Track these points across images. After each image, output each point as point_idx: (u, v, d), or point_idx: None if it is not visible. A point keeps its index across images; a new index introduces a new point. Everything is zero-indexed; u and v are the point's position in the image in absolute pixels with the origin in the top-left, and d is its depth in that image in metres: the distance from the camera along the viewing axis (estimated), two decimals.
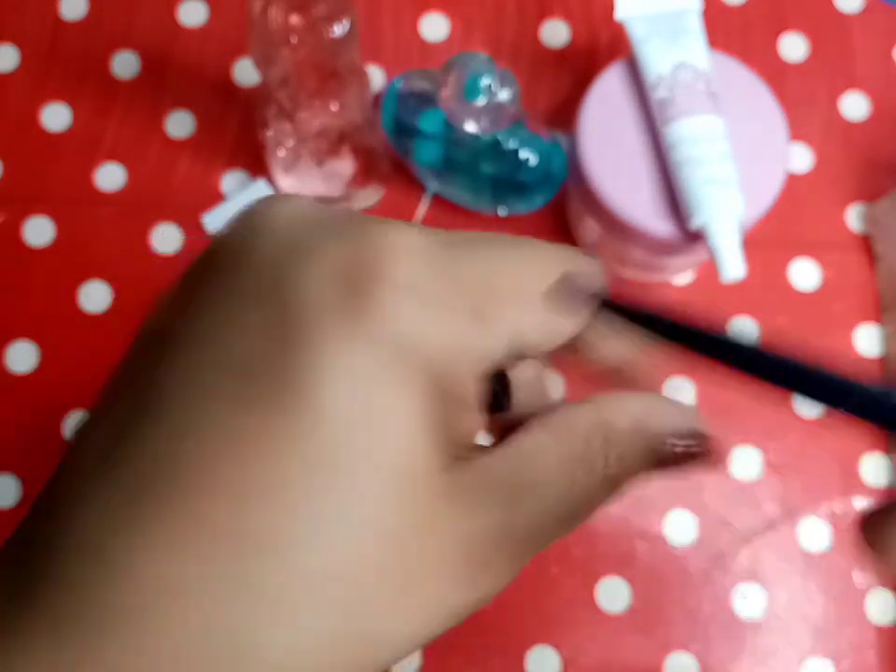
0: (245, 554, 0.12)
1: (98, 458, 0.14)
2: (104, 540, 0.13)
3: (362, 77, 0.43)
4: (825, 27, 0.52)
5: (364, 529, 0.13)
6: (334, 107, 0.42)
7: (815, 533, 0.46)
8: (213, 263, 0.16)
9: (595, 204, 0.42)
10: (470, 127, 0.43)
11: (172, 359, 0.14)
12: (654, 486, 0.46)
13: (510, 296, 0.16)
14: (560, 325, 0.17)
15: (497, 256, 0.16)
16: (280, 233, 0.15)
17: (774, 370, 0.15)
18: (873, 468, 0.46)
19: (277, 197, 0.16)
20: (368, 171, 0.47)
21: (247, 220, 0.16)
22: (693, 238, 0.41)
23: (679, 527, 0.46)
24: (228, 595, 0.12)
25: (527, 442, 0.16)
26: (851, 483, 0.46)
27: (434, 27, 0.52)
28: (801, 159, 0.51)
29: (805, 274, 0.49)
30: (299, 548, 0.12)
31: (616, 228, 0.43)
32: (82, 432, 0.15)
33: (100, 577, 0.12)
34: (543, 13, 0.52)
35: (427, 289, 0.14)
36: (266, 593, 0.12)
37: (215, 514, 0.12)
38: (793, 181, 0.49)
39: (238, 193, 0.49)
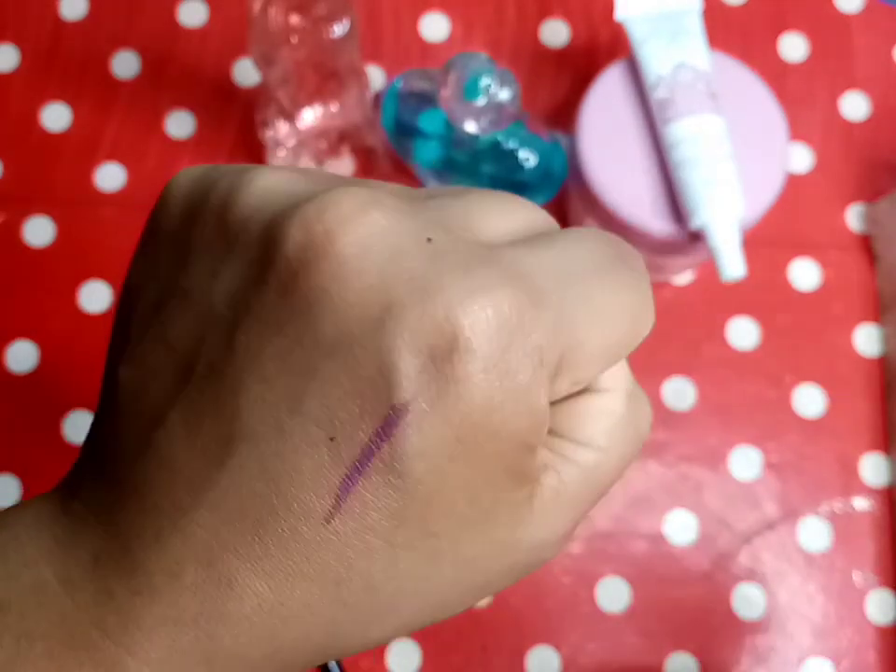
0: (357, 601, 0.15)
1: (198, 490, 0.15)
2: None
3: (362, 77, 0.43)
4: (825, 27, 0.52)
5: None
6: (334, 107, 0.42)
7: (815, 533, 0.46)
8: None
9: (594, 204, 0.42)
10: (470, 127, 0.43)
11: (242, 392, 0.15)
12: (654, 486, 0.46)
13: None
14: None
15: None
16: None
17: None
18: (873, 468, 0.46)
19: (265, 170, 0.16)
20: (368, 171, 0.47)
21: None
22: (693, 238, 0.41)
23: (679, 527, 0.46)
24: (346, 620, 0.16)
25: None
26: (851, 483, 0.46)
27: (434, 27, 0.52)
28: (801, 159, 0.51)
29: (805, 274, 0.49)
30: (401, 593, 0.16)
31: (616, 228, 0.43)
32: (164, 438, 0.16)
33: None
34: (543, 13, 0.52)
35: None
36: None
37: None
38: (793, 181, 0.50)
39: None
